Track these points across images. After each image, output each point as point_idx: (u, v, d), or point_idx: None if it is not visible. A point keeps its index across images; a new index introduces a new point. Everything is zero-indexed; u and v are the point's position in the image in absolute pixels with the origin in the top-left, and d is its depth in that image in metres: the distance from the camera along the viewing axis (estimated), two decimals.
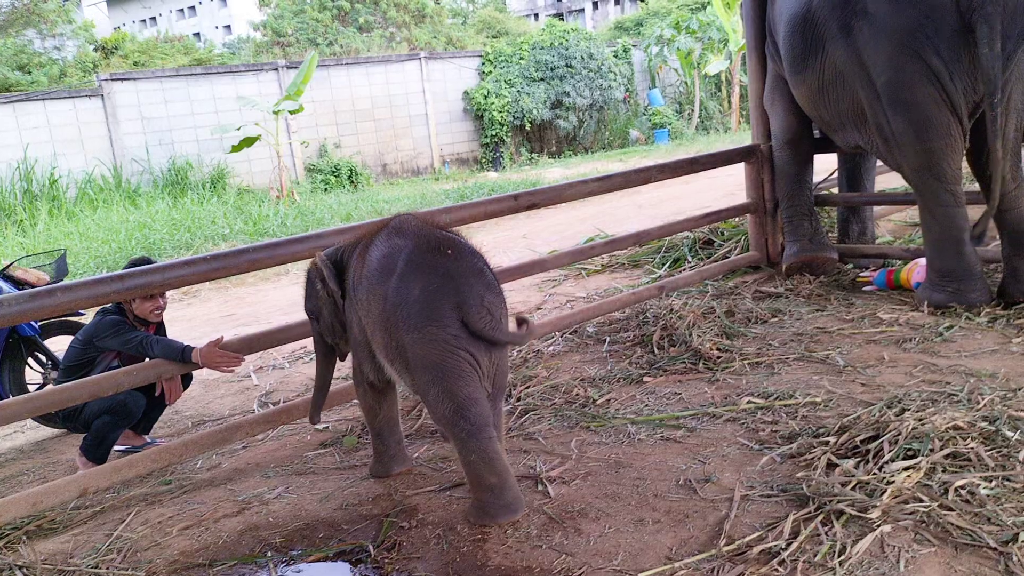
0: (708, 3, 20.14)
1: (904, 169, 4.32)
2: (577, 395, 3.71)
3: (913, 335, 3.91)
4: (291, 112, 12.86)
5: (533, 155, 18.29)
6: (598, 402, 3.60)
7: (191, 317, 6.63)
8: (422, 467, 3.18)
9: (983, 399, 3.00)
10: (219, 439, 3.44)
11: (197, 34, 38.40)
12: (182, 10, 43.26)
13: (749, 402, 3.36)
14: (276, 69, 14.90)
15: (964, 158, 4.21)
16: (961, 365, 3.48)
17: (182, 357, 3.34)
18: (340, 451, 3.46)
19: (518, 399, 3.74)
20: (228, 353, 3.37)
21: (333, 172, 14.75)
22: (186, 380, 3.83)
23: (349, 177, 14.81)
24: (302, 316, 3.26)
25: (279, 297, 7.00)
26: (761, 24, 5.24)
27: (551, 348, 4.51)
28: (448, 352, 2.53)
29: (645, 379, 3.82)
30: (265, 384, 4.59)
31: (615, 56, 19.62)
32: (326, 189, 14.13)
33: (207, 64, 19.78)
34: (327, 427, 3.76)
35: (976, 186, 4.35)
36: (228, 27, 39.42)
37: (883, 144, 4.34)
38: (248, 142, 12.38)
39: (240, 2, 39.44)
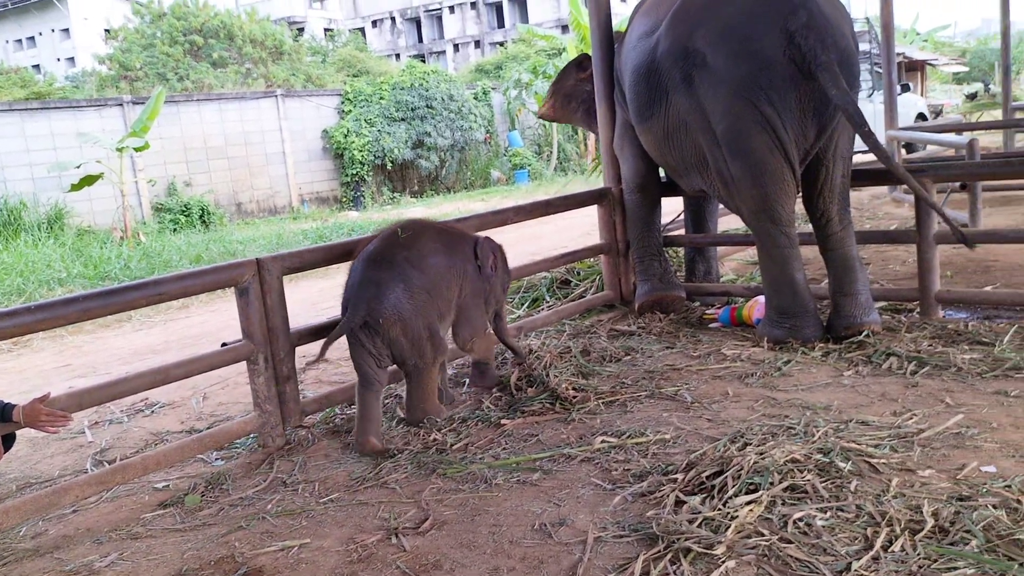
0: (564, 50, 20.82)
1: (743, 212, 4.55)
2: (434, 440, 3.65)
3: (755, 370, 4.10)
4: (136, 149, 12.26)
5: (395, 194, 18.21)
6: (455, 447, 3.56)
7: (22, 368, 6.13)
8: (269, 522, 3.03)
9: (818, 431, 3.17)
10: (46, 503, 3.16)
11: (37, 66, 36.30)
12: (20, 40, 40.89)
13: (603, 441, 3.40)
14: (121, 104, 14.21)
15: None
16: (798, 398, 3.66)
17: (2, 416, 3.06)
18: (181, 512, 3.25)
19: None
20: (54, 411, 3.10)
21: (183, 211, 14.16)
22: (8, 440, 3.49)
23: (201, 217, 14.24)
24: (144, 366, 3.07)
25: (121, 345, 6.60)
26: (610, 73, 5.44)
27: None
28: (350, 334, 3.67)
29: (503, 422, 3.81)
30: (101, 441, 4.28)
31: (475, 98, 19.92)
32: (175, 229, 13.53)
33: (46, 98, 18.66)
34: (167, 486, 3.54)
35: (809, 227, 4.64)
36: (71, 60, 37.50)
37: (723, 188, 4.56)
38: (89, 180, 11.70)
39: (84, 34, 37.66)
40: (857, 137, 4.64)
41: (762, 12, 4.20)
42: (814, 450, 2.95)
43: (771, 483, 2.73)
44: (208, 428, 4.15)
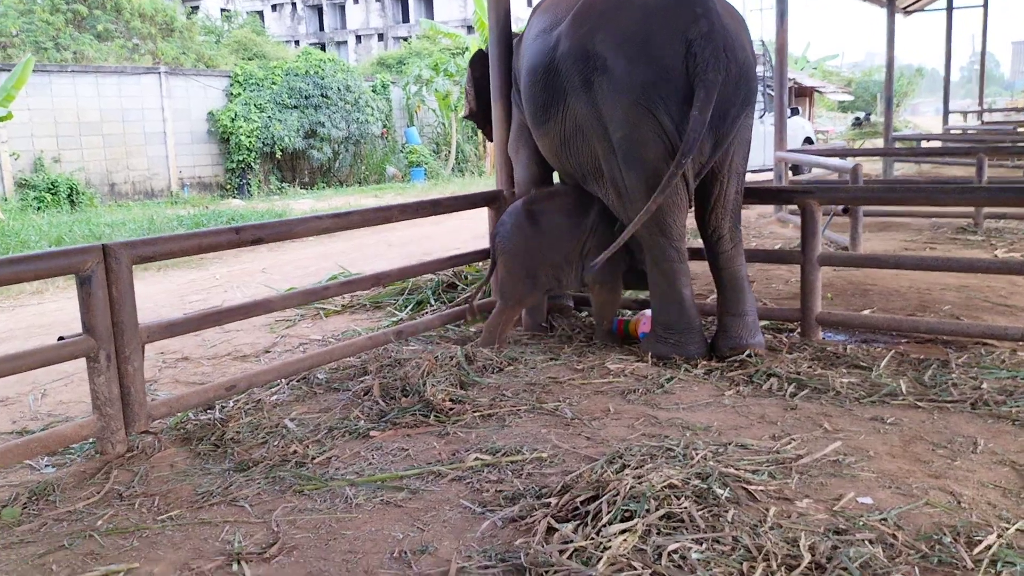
0: (467, 49, 20.63)
1: None
2: (294, 452, 3.37)
3: (637, 386, 3.98)
4: None
5: (284, 184, 17.59)
6: (317, 460, 3.28)
7: None
8: (96, 541, 2.68)
9: (697, 454, 3.05)
10: None
11: None
12: None
13: (476, 459, 3.20)
14: None
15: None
16: (679, 418, 3.55)
17: None
18: None
19: (226, 453, 3.34)
20: None
21: (49, 189, 13.22)
22: None
23: (69, 196, 13.33)
24: None
25: None
26: (507, 72, 5.24)
27: (274, 397, 4.12)
28: None
29: (372, 433, 3.56)
30: None
31: (373, 91, 19.48)
32: (40, 208, 12.61)
33: None
34: None
35: (699, 242, 4.57)
36: None
37: (617, 198, 4.43)
38: None
39: None
40: (750, 155, 4.63)
41: (664, 19, 4.09)
42: (692, 475, 2.83)
43: (647, 510, 2.58)
44: (42, 430, 3.72)
